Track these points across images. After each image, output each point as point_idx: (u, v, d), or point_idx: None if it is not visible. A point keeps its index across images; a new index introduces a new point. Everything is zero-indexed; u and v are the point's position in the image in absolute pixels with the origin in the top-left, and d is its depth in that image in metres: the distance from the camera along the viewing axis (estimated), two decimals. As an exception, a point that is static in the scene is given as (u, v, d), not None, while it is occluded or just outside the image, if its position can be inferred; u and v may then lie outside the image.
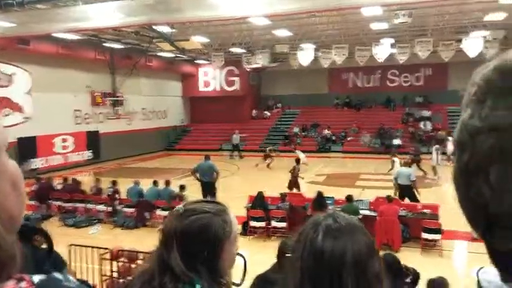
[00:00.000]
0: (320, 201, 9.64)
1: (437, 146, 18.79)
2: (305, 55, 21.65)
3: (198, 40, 20.79)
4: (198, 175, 12.60)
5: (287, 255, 2.74)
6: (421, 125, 27.13)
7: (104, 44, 22.14)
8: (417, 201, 11.06)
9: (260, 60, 22.27)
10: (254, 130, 29.84)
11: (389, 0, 12.43)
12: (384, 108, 29.67)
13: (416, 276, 4.98)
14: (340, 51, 20.55)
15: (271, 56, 22.74)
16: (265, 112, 32.13)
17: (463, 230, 10.24)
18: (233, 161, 24.46)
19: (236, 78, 31.01)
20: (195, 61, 29.64)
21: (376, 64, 23.51)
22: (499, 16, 16.76)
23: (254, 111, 32.25)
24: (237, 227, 1.31)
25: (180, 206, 1.33)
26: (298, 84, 30.93)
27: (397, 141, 25.85)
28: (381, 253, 4.39)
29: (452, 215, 10.96)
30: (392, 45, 21.02)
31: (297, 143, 27.73)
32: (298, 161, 14.95)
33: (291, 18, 16.31)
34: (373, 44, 20.71)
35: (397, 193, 11.58)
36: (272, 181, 17.46)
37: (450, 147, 19.01)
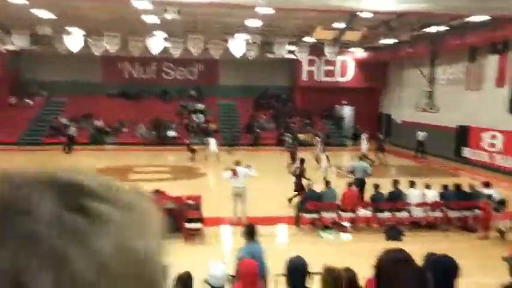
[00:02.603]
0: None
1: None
2: (73, 40, 19.94)
3: None
4: None
5: None
6: (195, 117, 28.60)
7: None
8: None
9: (18, 41, 19.39)
10: (13, 120, 25.93)
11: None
12: (160, 100, 30.03)
13: (165, 269, 5.09)
14: (113, 39, 19.71)
15: (32, 38, 20.03)
16: (27, 100, 28.27)
17: (221, 216, 11.27)
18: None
19: (-12, 59, 26.21)
20: None
21: (152, 56, 23.52)
22: (256, 23, 18.96)
23: (12, 98, 27.95)
24: None
25: None
26: (67, 71, 28.26)
27: (172, 133, 26.59)
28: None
29: (215, 203, 11.90)
30: (166, 39, 21.36)
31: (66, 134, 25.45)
32: (302, 161, 13.38)
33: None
34: (146, 36, 20.61)
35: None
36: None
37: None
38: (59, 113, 27.52)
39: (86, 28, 20.36)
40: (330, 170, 15.12)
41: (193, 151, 20.70)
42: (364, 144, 20.47)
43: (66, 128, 24.19)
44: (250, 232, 6.35)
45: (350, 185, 11.39)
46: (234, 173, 10.81)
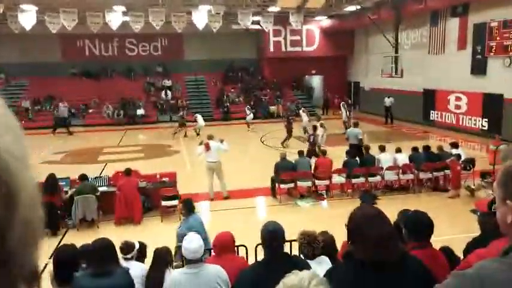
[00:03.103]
0: (51, 184, 8.65)
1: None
2: (27, 18, 18.86)
3: None
4: None
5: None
6: (162, 94, 27.95)
7: None
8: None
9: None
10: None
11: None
12: (124, 78, 29.11)
13: (143, 247, 5.02)
14: (70, 15, 18.76)
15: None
16: (-16, 84, 26.86)
17: (201, 192, 11.18)
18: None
19: None
20: None
21: (112, 32, 22.59)
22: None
23: (-32, 84, 26.49)
24: None
25: None
26: (24, 51, 26.85)
27: (140, 111, 25.96)
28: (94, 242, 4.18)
29: (190, 180, 11.77)
30: (126, 13, 20.52)
31: (29, 118, 24.45)
32: (315, 128, 14.61)
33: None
34: (105, 11, 19.72)
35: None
36: None
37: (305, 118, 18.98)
38: (20, 96, 26.28)
39: (40, 4, 19.29)
40: (324, 139, 15.28)
41: (183, 125, 20.39)
42: (344, 112, 20.66)
43: (56, 109, 23.49)
44: (188, 207, 6.45)
45: (324, 153, 11.48)
46: (207, 147, 10.64)
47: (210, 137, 11.09)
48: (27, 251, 0.39)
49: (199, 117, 20.29)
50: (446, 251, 4.11)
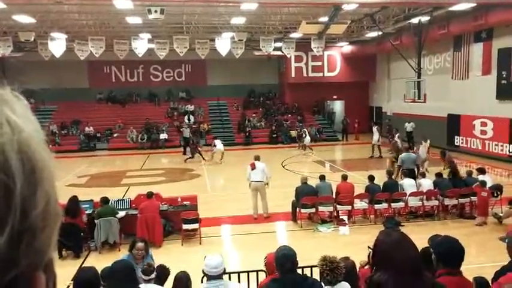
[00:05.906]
0: (73, 207, 8.79)
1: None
2: (57, 45, 19.62)
3: None
4: None
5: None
6: (185, 118, 28.37)
7: None
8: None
9: (0, 49, 19.04)
10: None
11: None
12: (149, 103, 29.80)
13: (164, 272, 5.00)
14: (97, 43, 19.44)
15: (14, 45, 19.71)
16: (15, 109, 27.80)
17: (217, 216, 11.18)
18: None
19: (-30, 69, 25.79)
20: None
21: (138, 59, 23.26)
22: (240, 20, 18.85)
23: (-1, 108, 27.45)
24: None
25: None
26: (53, 78, 27.85)
27: (163, 136, 26.35)
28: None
29: (211, 204, 11.78)
30: (151, 41, 21.15)
31: (56, 142, 25.10)
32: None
33: (32, 3, 14.38)
34: (131, 38, 20.37)
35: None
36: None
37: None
38: (48, 120, 27.10)
39: (70, 33, 20.09)
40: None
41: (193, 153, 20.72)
42: (376, 136, 20.52)
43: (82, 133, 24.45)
44: None
45: (345, 177, 11.32)
46: (252, 166, 10.87)
47: (257, 158, 11.29)
48: (46, 232, 0.40)
49: (217, 142, 19.98)
50: (480, 282, 3.90)
